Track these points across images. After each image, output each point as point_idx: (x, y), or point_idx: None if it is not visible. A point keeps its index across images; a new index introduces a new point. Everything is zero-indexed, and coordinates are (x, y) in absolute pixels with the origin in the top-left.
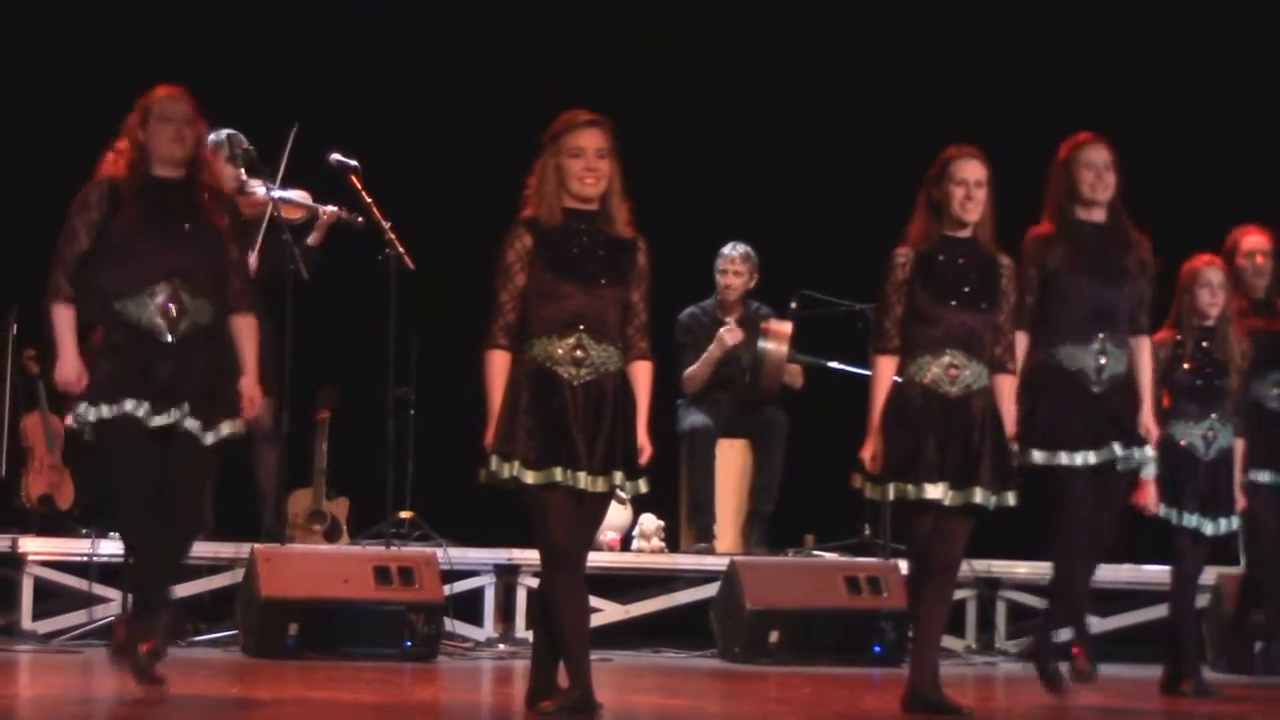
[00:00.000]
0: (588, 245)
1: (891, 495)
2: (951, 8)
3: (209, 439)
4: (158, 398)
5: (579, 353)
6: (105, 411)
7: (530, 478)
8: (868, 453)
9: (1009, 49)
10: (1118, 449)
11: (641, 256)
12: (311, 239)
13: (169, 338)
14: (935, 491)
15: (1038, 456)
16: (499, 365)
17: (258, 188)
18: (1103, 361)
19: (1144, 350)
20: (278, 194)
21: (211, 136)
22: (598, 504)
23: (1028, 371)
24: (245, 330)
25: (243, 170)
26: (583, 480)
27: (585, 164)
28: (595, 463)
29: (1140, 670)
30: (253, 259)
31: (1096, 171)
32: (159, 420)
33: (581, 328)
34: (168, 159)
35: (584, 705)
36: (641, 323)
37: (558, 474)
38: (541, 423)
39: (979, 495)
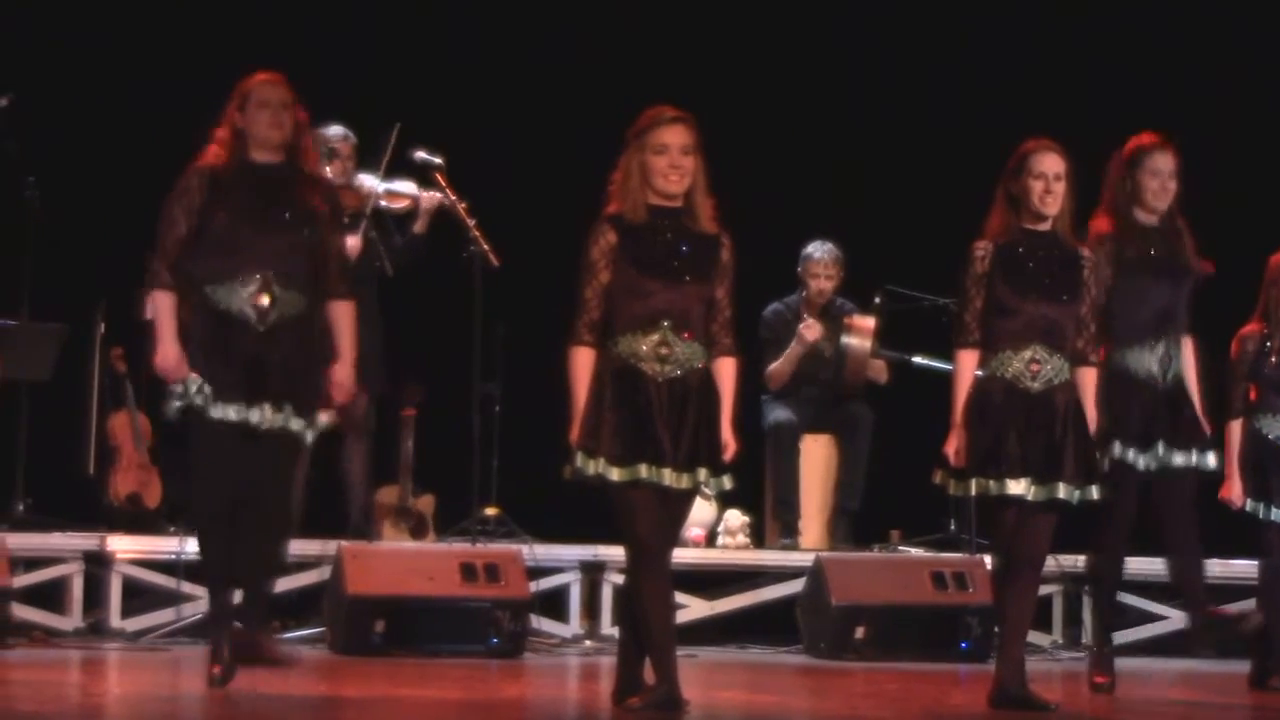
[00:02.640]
0: (672, 241)
1: (974, 491)
2: (1029, 4)
3: (295, 428)
4: (246, 391)
5: (664, 349)
6: (196, 399)
7: (615, 475)
8: (951, 448)
9: (1089, 41)
10: (1178, 456)
11: (725, 252)
12: (418, 226)
13: (259, 327)
14: (1018, 487)
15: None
16: (583, 362)
17: (364, 180)
18: (1167, 362)
19: (1189, 351)
20: (383, 185)
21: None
22: (682, 501)
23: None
24: (343, 316)
25: (331, 166)
26: (667, 477)
27: (670, 161)
28: (680, 459)
29: (1228, 665)
30: (355, 242)
31: (1161, 180)
32: (247, 416)
33: (666, 324)
34: (266, 143)
35: (670, 702)
36: (726, 318)
37: (642, 471)
38: (626, 419)
39: (1062, 490)
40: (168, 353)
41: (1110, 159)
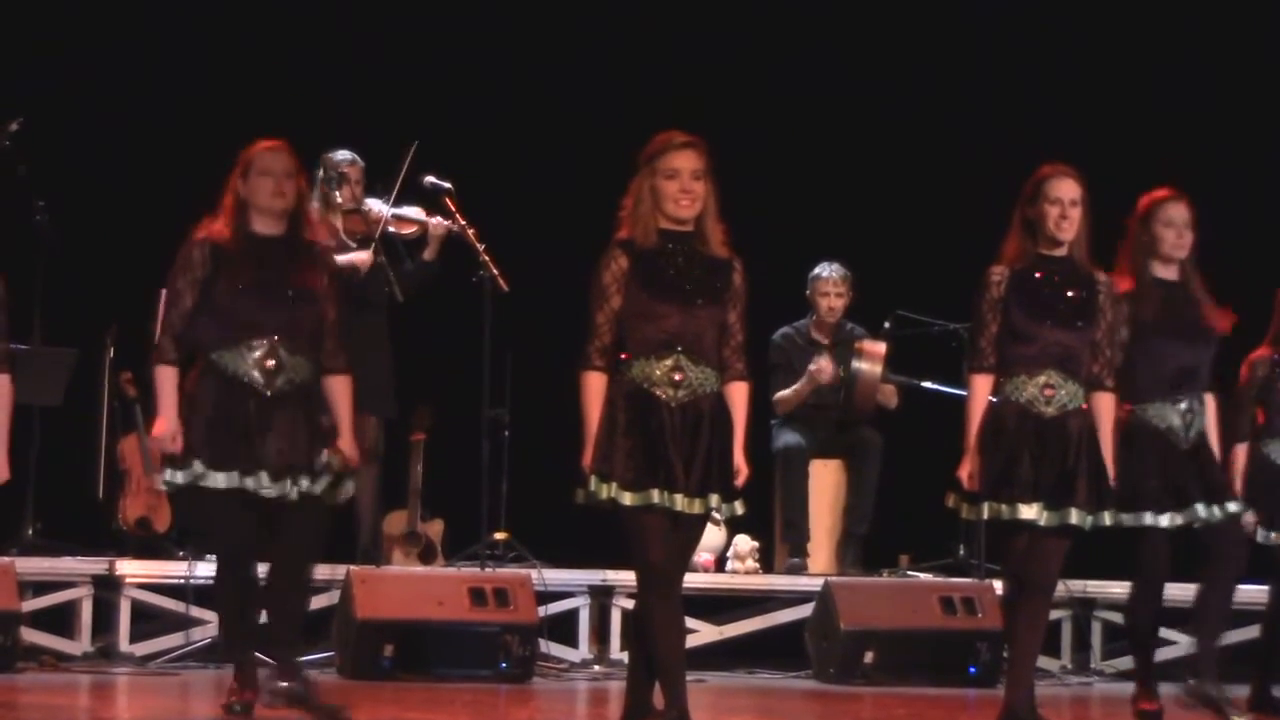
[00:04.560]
0: (683, 266)
1: (986, 515)
2: (1044, 30)
3: (317, 491)
4: (252, 459)
5: (677, 374)
6: (203, 479)
7: (628, 499)
8: (965, 472)
9: (1105, 68)
10: (1200, 510)
11: (737, 276)
12: (428, 254)
13: (266, 392)
14: (1030, 511)
15: (1125, 519)
16: (595, 386)
17: (374, 204)
18: (1189, 419)
19: (1212, 409)
20: (391, 210)
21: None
22: (694, 526)
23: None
24: (340, 391)
25: (341, 191)
26: (679, 502)
27: (680, 185)
28: (692, 485)
29: (1239, 690)
30: (366, 257)
31: (1177, 230)
32: (244, 484)
33: (679, 349)
34: (268, 212)
35: None
36: (738, 343)
37: (655, 496)
38: (639, 444)
39: (1075, 516)
40: (165, 426)
41: (1128, 216)
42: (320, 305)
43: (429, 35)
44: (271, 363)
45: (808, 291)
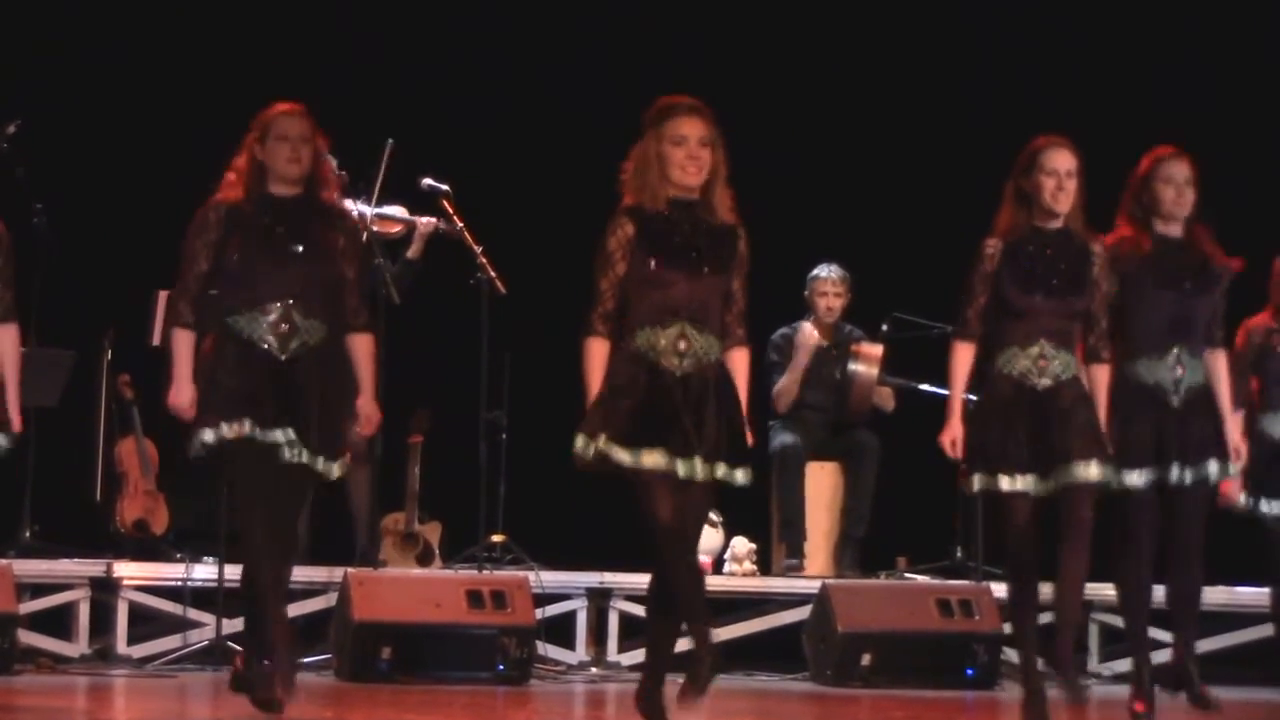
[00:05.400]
0: (689, 234)
1: (977, 487)
2: (1044, 30)
3: (317, 466)
4: (269, 416)
5: (682, 343)
6: (226, 431)
7: (627, 457)
8: (947, 438)
9: (1105, 67)
10: (1188, 473)
11: (742, 244)
12: (411, 252)
13: (281, 356)
14: (1024, 482)
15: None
16: (598, 352)
17: (353, 206)
18: (1179, 373)
19: (1220, 365)
20: (373, 210)
21: None
22: (706, 492)
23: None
24: (363, 349)
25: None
26: (692, 467)
27: (688, 152)
28: (703, 451)
29: (1238, 692)
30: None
31: (1177, 187)
32: (273, 438)
33: (685, 317)
34: (284, 177)
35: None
36: (740, 310)
37: (662, 456)
38: (645, 406)
39: (1078, 470)
40: (182, 390)
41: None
42: (337, 264)
43: (428, 35)
44: (285, 326)
45: (806, 292)
